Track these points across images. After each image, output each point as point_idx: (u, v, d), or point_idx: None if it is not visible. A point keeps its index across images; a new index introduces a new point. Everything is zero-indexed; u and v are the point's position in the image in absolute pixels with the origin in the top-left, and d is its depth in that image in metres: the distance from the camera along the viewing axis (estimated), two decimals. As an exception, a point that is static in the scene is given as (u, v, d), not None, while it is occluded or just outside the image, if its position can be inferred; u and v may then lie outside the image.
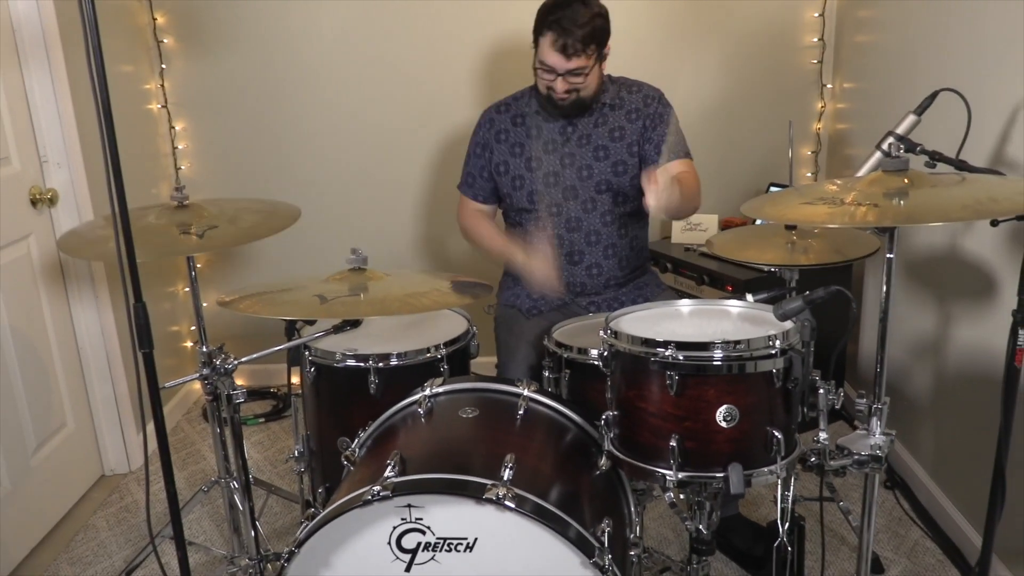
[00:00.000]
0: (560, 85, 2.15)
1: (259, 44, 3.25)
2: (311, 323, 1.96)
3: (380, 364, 1.90)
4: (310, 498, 2.15)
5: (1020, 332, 1.57)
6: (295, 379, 2.02)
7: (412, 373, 1.90)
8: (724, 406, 1.45)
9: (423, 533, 1.39)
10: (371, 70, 3.28)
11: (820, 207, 1.52)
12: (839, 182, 1.63)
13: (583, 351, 1.83)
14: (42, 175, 2.61)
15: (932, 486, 2.48)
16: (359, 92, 3.30)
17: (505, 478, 1.38)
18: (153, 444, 1.69)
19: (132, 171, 2.61)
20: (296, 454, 2.08)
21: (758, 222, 2.61)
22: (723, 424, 1.45)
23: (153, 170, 3.27)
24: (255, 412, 3.37)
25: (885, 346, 1.62)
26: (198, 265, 2.23)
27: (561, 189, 2.27)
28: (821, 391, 1.55)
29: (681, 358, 1.45)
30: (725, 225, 3.18)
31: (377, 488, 1.36)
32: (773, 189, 3.23)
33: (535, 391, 1.73)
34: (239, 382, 1.80)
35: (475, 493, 1.35)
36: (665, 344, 1.46)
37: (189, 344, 3.53)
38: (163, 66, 3.26)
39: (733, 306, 1.72)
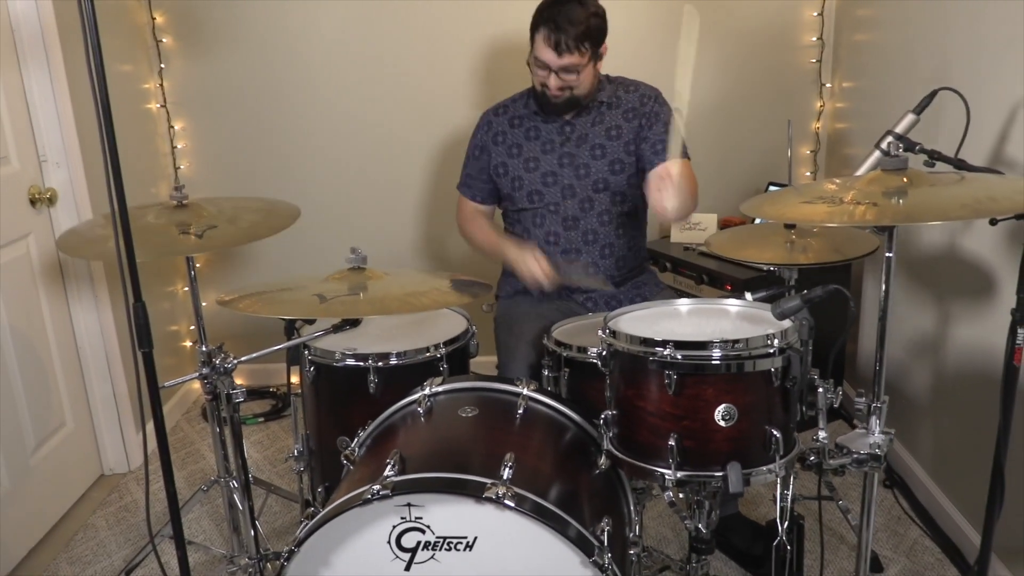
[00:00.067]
0: (553, 82, 2.16)
1: (258, 43, 3.25)
2: (310, 322, 1.96)
3: (379, 363, 1.90)
4: (309, 497, 2.15)
5: (1019, 331, 1.57)
6: (294, 378, 2.02)
7: (411, 372, 1.90)
8: (723, 405, 1.45)
9: (423, 532, 1.39)
10: (370, 70, 3.28)
11: (819, 206, 1.52)
12: (838, 181, 1.63)
13: (582, 350, 1.83)
14: (41, 175, 2.61)
15: (931, 485, 2.48)
16: (358, 92, 3.30)
17: (505, 477, 1.38)
18: (152, 443, 1.69)
19: (131, 170, 2.61)
20: (295, 453, 2.08)
21: (757, 221, 2.61)
22: (722, 423, 1.46)
23: (152, 169, 3.27)
24: (254, 411, 3.37)
25: (884, 345, 1.62)
26: (197, 264, 2.23)
27: (559, 188, 2.27)
28: (820, 390, 1.56)
29: (680, 357, 1.45)
30: (724, 224, 3.19)
31: (377, 487, 1.36)
32: (772, 188, 3.23)
33: (534, 390, 1.73)
34: (238, 381, 1.80)
35: (475, 492, 1.35)
36: (664, 343, 1.46)
37: (188, 343, 3.53)
38: (162, 65, 3.26)
39: (732, 305, 1.73)
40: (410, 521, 1.39)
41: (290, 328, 1.95)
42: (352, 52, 3.26)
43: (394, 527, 1.39)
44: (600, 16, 2.16)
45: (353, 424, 1.80)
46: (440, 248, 3.49)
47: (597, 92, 2.27)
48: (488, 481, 1.37)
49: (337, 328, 1.77)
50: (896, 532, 2.43)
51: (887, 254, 1.59)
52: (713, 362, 1.45)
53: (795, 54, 3.29)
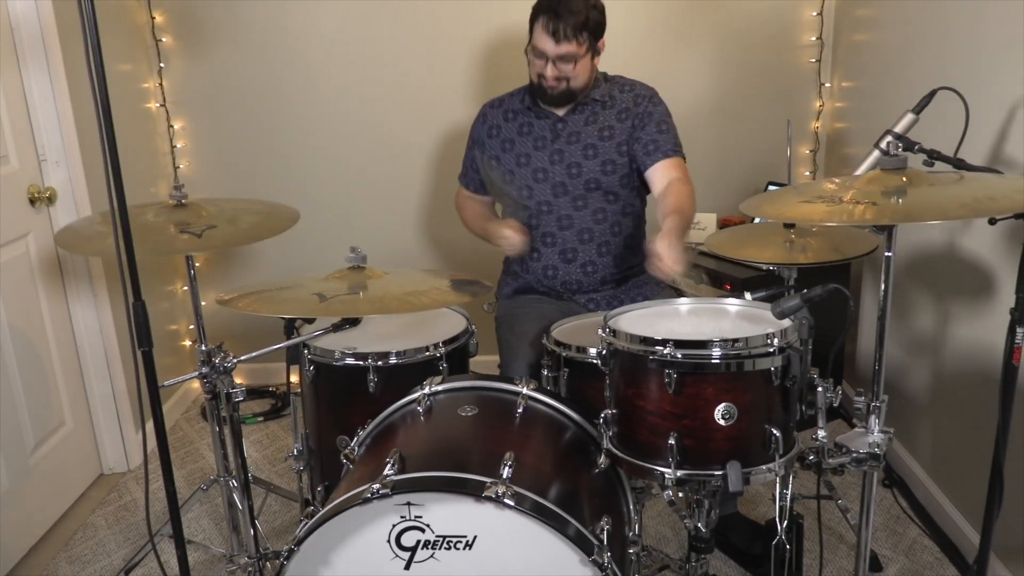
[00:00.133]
0: (550, 71, 2.17)
1: (258, 43, 3.25)
2: (310, 321, 1.96)
3: (379, 362, 1.91)
4: (309, 497, 2.15)
5: (1018, 330, 1.57)
6: (294, 378, 2.02)
7: (411, 371, 1.91)
8: (722, 404, 1.45)
9: (422, 531, 1.39)
10: (370, 69, 3.28)
11: (819, 205, 1.52)
12: (837, 180, 1.63)
13: (582, 349, 1.83)
14: (40, 174, 2.61)
15: (930, 484, 2.48)
16: (358, 91, 3.30)
17: (504, 476, 1.39)
18: (152, 443, 1.69)
19: (130, 170, 2.61)
20: (295, 452, 2.08)
21: (756, 220, 2.62)
22: (721, 422, 1.46)
23: (151, 169, 3.27)
24: (254, 411, 3.37)
25: (883, 344, 1.62)
26: (196, 264, 2.23)
27: (550, 186, 2.28)
28: (819, 389, 1.56)
29: (679, 356, 1.45)
30: (723, 224, 3.19)
31: (376, 486, 1.37)
32: (771, 188, 3.23)
33: (534, 389, 1.73)
34: (238, 381, 1.80)
35: (474, 491, 1.35)
36: (663, 342, 1.46)
37: (188, 343, 3.53)
38: (161, 65, 3.26)
39: (731, 304, 1.73)
40: (410, 520, 1.39)
41: (290, 327, 1.95)
42: (352, 51, 3.26)
43: (394, 526, 1.40)
44: (599, 10, 2.18)
45: (353, 423, 1.80)
46: (440, 247, 3.49)
47: (592, 89, 2.27)
48: (488, 480, 1.37)
49: (337, 327, 1.77)
50: (895, 531, 2.43)
51: (886, 253, 1.59)
52: (713, 361, 1.45)
53: (794, 54, 3.30)
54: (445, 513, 1.38)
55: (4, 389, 2.38)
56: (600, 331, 1.59)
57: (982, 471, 1.71)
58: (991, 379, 1.99)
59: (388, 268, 1.86)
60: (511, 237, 2.21)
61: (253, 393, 3.48)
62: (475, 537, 1.39)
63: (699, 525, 1.67)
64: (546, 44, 2.14)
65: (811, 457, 1.59)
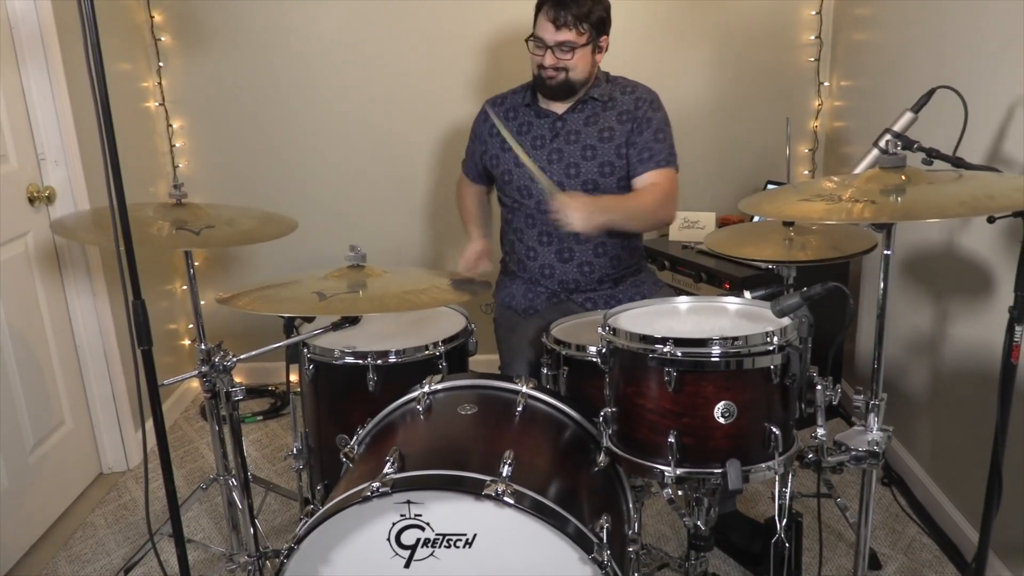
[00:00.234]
0: (548, 59, 2.19)
1: (257, 42, 3.25)
2: (310, 320, 1.96)
3: (379, 361, 1.91)
4: (308, 495, 2.15)
5: (1016, 328, 1.58)
6: (293, 376, 2.02)
7: (411, 370, 1.91)
8: (722, 402, 1.45)
9: (422, 529, 1.39)
10: (369, 68, 3.28)
11: (818, 204, 1.52)
12: (836, 179, 1.64)
13: (581, 348, 1.83)
14: (40, 173, 2.61)
15: (929, 482, 2.49)
16: (357, 89, 3.30)
17: (504, 474, 1.39)
18: (152, 441, 1.69)
19: (129, 169, 2.61)
20: (294, 451, 2.09)
21: (756, 219, 2.62)
22: (721, 420, 1.46)
23: (151, 168, 3.27)
24: (253, 410, 3.37)
25: (883, 342, 1.62)
26: (196, 263, 2.23)
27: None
28: (819, 387, 1.56)
29: (679, 354, 1.45)
30: (723, 223, 3.19)
31: (376, 484, 1.37)
32: (770, 187, 3.23)
33: (533, 388, 1.74)
34: (237, 380, 1.80)
35: (474, 489, 1.36)
36: (663, 340, 1.46)
37: (187, 342, 3.53)
38: (160, 64, 3.26)
39: (731, 303, 1.73)
40: (410, 518, 1.39)
41: (289, 326, 1.95)
42: (351, 50, 3.26)
43: (394, 524, 1.40)
44: (604, 7, 2.19)
45: (352, 422, 1.81)
46: (439, 246, 3.49)
47: (593, 87, 2.27)
48: (487, 478, 1.37)
49: (336, 326, 1.77)
50: (894, 530, 2.43)
51: (885, 252, 1.59)
52: (713, 359, 1.45)
53: (793, 53, 3.30)
54: (445, 511, 1.38)
55: (4, 388, 2.38)
56: (600, 329, 1.60)
57: (981, 469, 1.72)
58: (990, 377, 1.99)
59: (387, 267, 1.86)
60: (468, 258, 2.31)
61: (252, 392, 3.48)
62: (475, 535, 1.39)
63: (698, 523, 1.67)
64: (546, 29, 2.16)
65: (810, 455, 1.60)
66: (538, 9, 2.19)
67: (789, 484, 1.70)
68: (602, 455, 1.62)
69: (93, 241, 2.45)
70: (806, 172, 3.43)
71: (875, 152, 1.87)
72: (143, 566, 2.33)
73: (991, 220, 1.65)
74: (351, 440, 1.73)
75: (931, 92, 1.87)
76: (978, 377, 2.20)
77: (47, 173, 2.62)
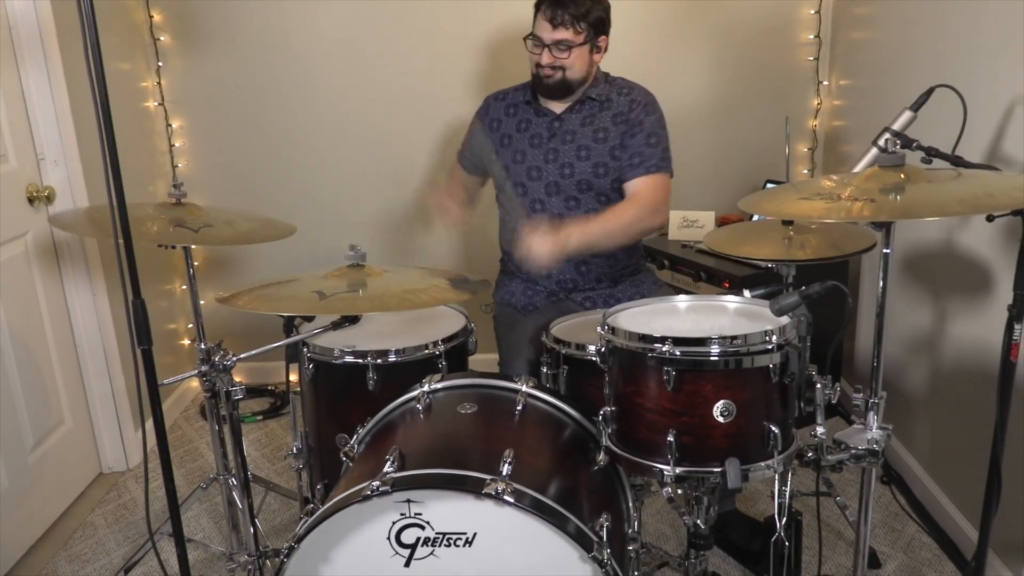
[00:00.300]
0: (545, 58, 2.19)
1: (256, 41, 3.25)
2: (309, 320, 1.96)
3: (378, 360, 1.91)
4: (308, 495, 2.15)
5: (1016, 327, 1.58)
6: (293, 376, 2.02)
7: (410, 369, 1.91)
8: (721, 401, 1.45)
9: (422, 528, 1.40)
10: (368, 68, 3.28)
11: (817, 202, 1.52)
12: (836, 178, 1.64)
13: (581, 347, 1.83)
14: (39, 173, 2.61)
15: (928, 481, 2.49)
16: (356, 89, 3.30)
17: (504, 473, 1.39)
18: (152, 441, 1.69)
19: (129, 169, 2.61)
20: (294, 451, 2.08)
21: (755, 218, 2.62)
22: (720, 419, 1.46)
23: (150, 168, 3.27)
24: (253, 410, 3.37)
25: (882, 341, 1.62)
26: (195, 263, 2.24)
27: (544, 184, 2.29)
28: (818, 386, 1.56)
29: (678, 353, 1.45)
30: (722, 222, 3.19)
31: (376, 483, 1.37)
32: (770, 186, 3.24)
33: (533, 387, 1.74)
34: (237, 379, 1.80)
35: (474, 488, 1.36)
36: (662, 340, 1.46)
37: (186, 342, 3.53)
38: (160, 64, 3.26)
39: (730, 302, 1.73)
40: (410, 517, 1.39)
41: (289, 325, 1.95)
42: (350, 50, 3.26)
43: (394, 523, 1.40)
44: (604, 7, 2.19)
45: (352, 421, 1.81)
46: (439, 245, 3.49)
47: (591, 87, 2.27)
48: (487, 477, 1.37)
49: (336, 325, 1.77)
50: (894, 528, 2.43)
51: (884, 250, 1.59)
52: (712, 358, 1.45)
53: (792, 52, 3.30)
54: (445, 510, 1.39)
55: (4, 388, 2.38)
56: (599, 328, 1.60)
57: (980, 468, 1.72)
58: (989, 376, 2.00)
59: (387, 266, 1.86)
60: (444, 205, 2.31)
61: (252, 392, 3.48)
62: (475, 534, 1.39)
63: (698, 522, 1.67)
64: (543, 30, 2.17)
65: (810, 454, 1.60)
66: (537, 8, 2.20)
67: (788, 483, 1.70)
68: (602, 454, 1.62)
69: (91, 233, 2.45)
70: (805, 171, 3.43)
71: (874, 151, 1.87)
72: (143, 566, 2.33)
73: (990, 219, 1.65)
74: (351, 439, 1.73)
75: (930, 91, 1.87)
76: (977, 375, 2.20)
77: (46, 173, 2.62)
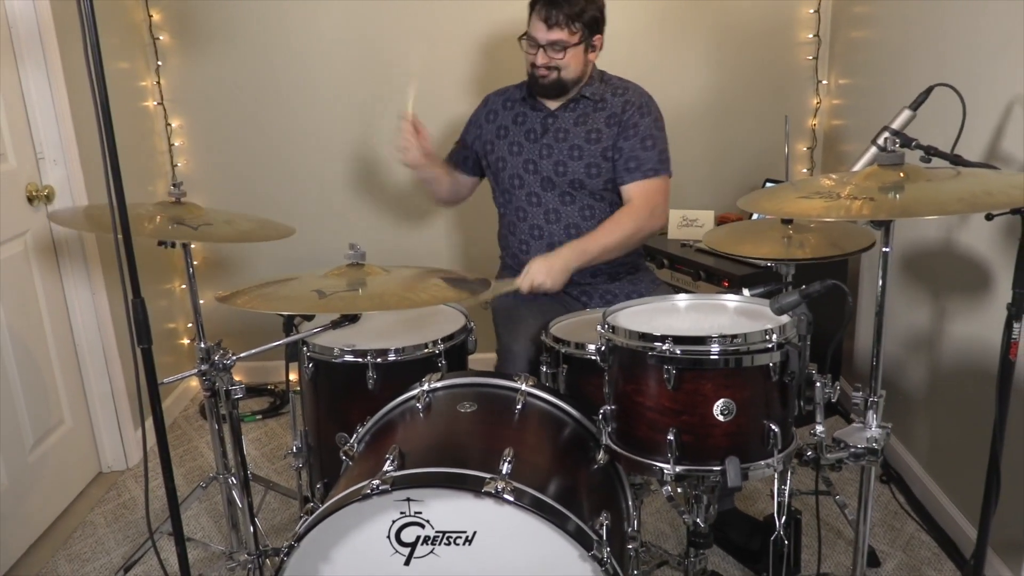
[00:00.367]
0: (540, 59, 2.20)
1: (255, 41, 3.25)
2: (309, 319, 1.96)
3: (378, 359, 1.91)
4: (308, 494, 2.15)
5: (1015, 325, 1.58)
6: (293, 375, 2.02)
7: (410, 368, 1.91)
8: (721, 400, 1.46)
9: (422, 527, 1.40)
10: (367, 66, 3.28)
11: (816, 201, 1.53)
12: (835, 177, 1.64)
13: (580, 346, 1.83)
14: (38, 172, 2.61)
15: (927, 480, 2.49)
16: (356, 88, 3.30)
17: (504, 472, 1.39)
18: (151, 440, 1.69)
19: (128, 168, 2.61)
20: (294, 450, 2.09)
21: (755, 217, 2.62)
22: (720, 418, 1.46)
23: (149, 167, 3.27)
24: (252, 409, 3.37)
25: (881, 340, 1.63)
26: (195, 263, 2.24)
27: (539, 179, 2.29)
28: (818, 385, 1.56)
29: (678, 352, 1.46)
30: (721, 221, 3.19)
31: (376, 482, 1.37)
32: (769, 185, 3.24)
33: (533, 386, 1.74)
34: (236, 378, 1.80)
35: (474, 487, 1.36)
36: (662, 338, 1.47)
37: (186, 341, 3.53)
38: (159, 63, 3.26)
39: (730, 300, 1.73)
40: (409, 516, 1.39)
41: (289, 325, 1.95)
42: (350, 50, 3.26)
43: (393, 522, 1.40)
44: (598, 6, 2.19)
45: (352, 420, 1.81)
46: (439, 244, 3.49)
47: (586, 86, 2.28)
48: (487, 476, 1.37)
49: (336, 324, 1.77)
50: (893, 527, 2.44)
51: (884, 249, 1.59)
52: (712, 357, 1.45)
53: (791, 51, 3.30)
54: (445, 509, 1.39)
55: (3, 387, 2.38)
56: (599, 327, 1.60)
57: (979, 466, 1.72)
58: (988, 374, 2.00)
59: (387, 265, 1.86)
60: (408, 143, 2.29)
61: (252, 391, 3.48)
62: (475, 533, 1.39)
63: (698, 521, 1.68)
64: (538, 31, 2.17)
65: (809, 453, 1.60)
66: (531, 8, 2.20)
67: (788, 481, 1.70)
68: (601, 453, 1.62)
69: (90, 229, 2.45)
70: (804, 170, 3.43)
71: (873, 150, 1.87)
72: (143, 565, 2.33)
73: (989, 217, 1.65)
74: (351, 438, 1.73)
75: (929, 90, 1.87)
76: (976, 374, 2.20)
77: (46, 172, 2.62)
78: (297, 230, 2.15)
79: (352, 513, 1.40)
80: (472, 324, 2.11)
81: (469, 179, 2.54)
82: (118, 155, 1.40)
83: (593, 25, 2.19)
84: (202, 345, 2.00)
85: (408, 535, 1.40)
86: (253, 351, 1.77)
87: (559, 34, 2.15)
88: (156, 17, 3.21)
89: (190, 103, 3.32)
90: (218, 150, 3.38)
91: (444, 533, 1.40)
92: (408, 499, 1.38)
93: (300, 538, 1.42)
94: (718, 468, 1.47)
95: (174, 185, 2.04)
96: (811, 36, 3.27)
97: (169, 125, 3.33)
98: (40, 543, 2.50)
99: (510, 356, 2.17)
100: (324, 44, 3.25)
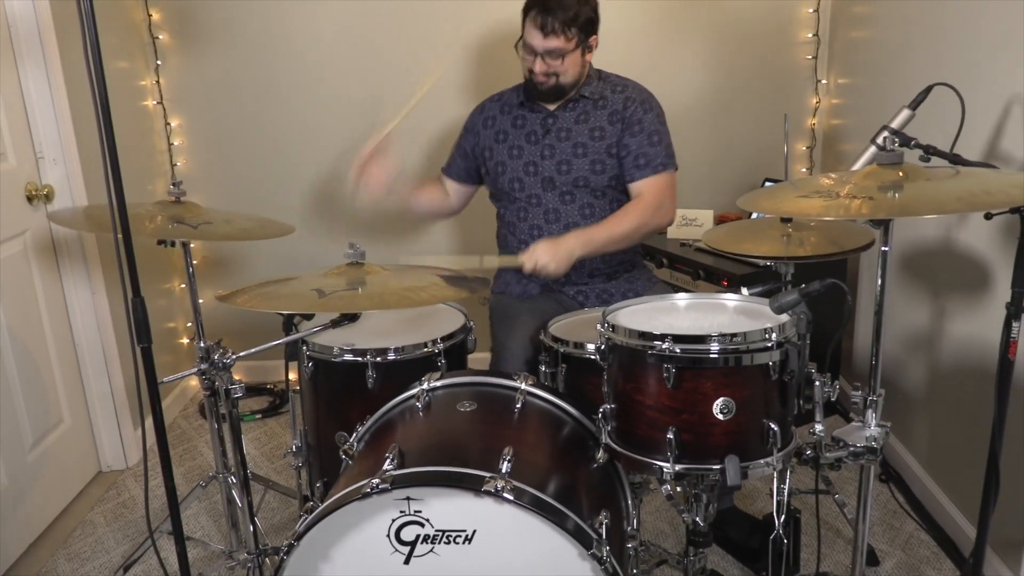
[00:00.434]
0: (538, 66, 2.19)
1: (254, 40, 3.25)
2: (309, 318, 1.96)
3: (378, 359, 1.91)
4: (308, 493, 2.15)
5: (1014, 325, 1.58)
6: (293, 374, 2.02)
7: (409, 367, 1.91)
8: (721, 399, 1.46)
9: (422, 525, 1.40)
10: (367, 65, 3.28)
11: (815, 200, 1.53)
12: (834, 176, 1.64)
13: (580, 345, 1.84)
14: (38, 171, 2.61)
15: (926, 479, 2.49)
16: (354, 88, 3.30)
17: (503, 471, 1.39)
18: (151, 439, 1.69)
19: (128, 168, 2.62)
20: (294, 449, 2.09)
21: (754, 216, 2.62)
22: (720, 416, 1.46)
23: (149, 166, 3.27)
24: (252, 408, 3.37)
25: (880, 339, 1.63)
26: (195, 262, 2.24)
27: (540, 180, 2.29)
28: (817, 383, 1.56)
29: (678, 351, 1.46)
30: (721, 220, 3.19)
31: (376, 481, 1.37)
32: (768, 184, 3.24)
33: (532, 385, 1.74)
34: (236, 378, 1.80)
35: (473, 485, 1.36)
36: (662, 337, 1.47)
37: (185, 341, 3.53)
38: (158, 62, 3.26)
39: (729, 299, 1.74)
40: (409, 515, 1.39)
41: (288, 324, 1.95)
42: (348, 48, 3.26)
43: (393, 521, 1.40)
44: (591, 6, 2.19)
45: (351, 419, 1.81)
46: (438, 244, 3.49)
47: (584, 85, 2.28)
48: (487, 474, 1.37)
49: (336, 323, 1.77)
50: (892, 526, 2.44)
51: (883, 248, 1.59)
52: (711, 356, 1.45)
53: (791, 50, 3.30)
54: (444, 508, 1.39)
55: (2, 387, 2.38)
56: (599, 326, 1.60)
57: (978, 465, 1.72)
58: (987, 373, 2.00)
59: (386, 264, 1.86)
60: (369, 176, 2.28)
61: (251, 390, 3.48)
62: (474, 531, 1.39)
63: (697, 519, 1.68)
64: (535, 39, 2.16)
65: (808, 452, 1.60)
66: (525, 14, 2.19)
67: (787, 480, 1.71)
68: (601, 451, 1.62)
69: (90, 229, 2.46)
70: (804, 169, 3.43)
71: (872, 149, 1.87)
72: (143, 564, 2.33)
73: (988, 216, 1.65)
74: (350, 437, 1.73)
75: (928, 89, 1.87)
76: (975, 373, 2.20)
77: (45, 171, 2.62)
78: (296, 229, 2.15)
79: (352, 512, 1.40)
80: (472, 323, 2.11)
81: (467, 188, 2.52)
82: (118, 154, 1.40)
83: (588, 27, 2.18)
84: (202, 344, 2.00)
85: (408, 534, 1.40)
86: (253, 350, 1.77)
87: (556, 42, 2.14)
88: (156, 16, 3.21)
89: (189, 102, 3.32)
90: (217, 149, 3.38)
91: (444, 532, 1.40)
92: (408, 498, 1.38)
93: (300, 537, 1.42)
94: (717, 467, 1.47)
95: (174, 184, 2.05)
96: (810, 35, 3.27)
97: (168, 124, 3.33)
98: (40, 542, 2.50)
99: (506, 355, 2.17)
100: (324, 43, 3.25)
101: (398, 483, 1.37)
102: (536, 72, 2.21)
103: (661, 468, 1.50)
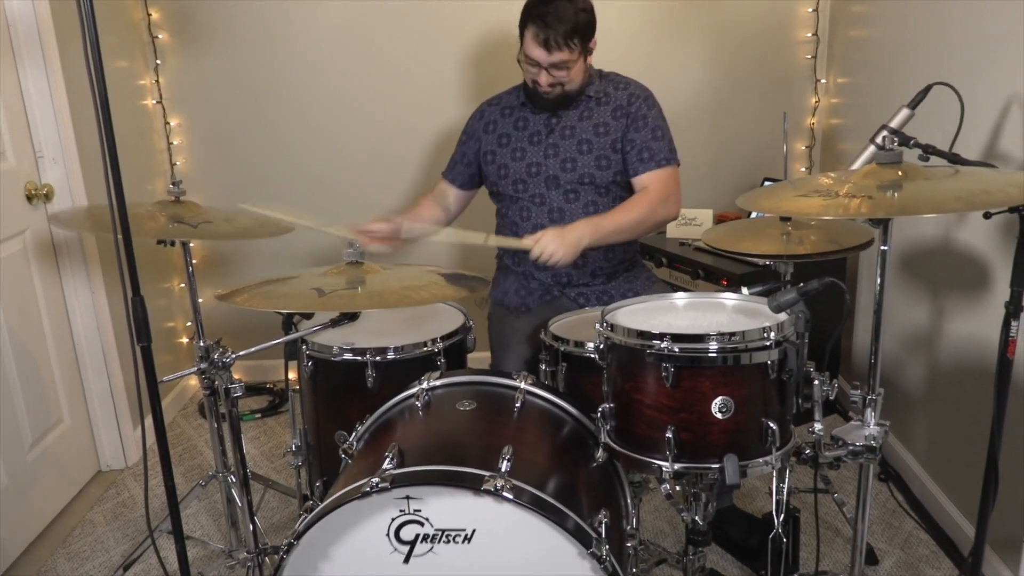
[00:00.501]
0: (544, 78, 2.18)
1: (254, 39, 3.25)
2: (308, 317, 1.96)
3: (377, 358, 1.91)
4: (307, 492, 2.16)
5: (1013, 324, 1.58)
6: (292, 374, 2.02)
7: (409, 367, 1.91)
8: (719, 397, 1.46)
9: (421, 525, 1.40)
10: (366, 65, 3.28)
11: (815, 199, 1.53)
12: (834, 175, 1.64)
13: (579, 344, 1.84)
14: (37, 171, 2.61)
15: (926, 478, 2.50)
16: (354, 87, 3.30)
17: (503, 470, 1.39)
18: (151, 439, 1.70)
19: (127, 167, 2.62)
20: (293, 448, 2.09)
21: (753, 215, 2.63)
22: (718, 415, 1.46)
23: (148, 166, 3.27)
24: (251, 408, 3.37)
25: (879, 338, 1.63)
26: (194, 261, 2.24)
27: (543, 179, 2.29)
28: (816, 382, 1.57)
29: (677, 350, 1.46)
30: (720, 219, 3.19)
31: (376, 480, 1.37)
32: (767, 183, 3.24)
33: (532, 384, 1.74)
34: (236, 377, 1.80)
35: (473, 484, 1.36)
36: (661, 336, 1.47)
37: (185, 340, 3.53)
38: (158, 62, 3.26)
39: (728, 298, 1.74)
40: (409, 514, 1.39)
41: (288, 323, 1.95)
42: (348, 48, 3.26)
43: (393, 520, 1.40)
44: (587, 11, 2.17)
45: (351, 418, 1.81)
46: (438, 243, 3.48)
47: (586, 86, 2.28)
48: (486, 473, 1.37)
49: (335, 322, 1.77)
50: (891, 525, 2.44)
51: (882, 247, 1.59)
52: (710, 355, 1.45)
53: (790, 50, 3.30)
54: (444, 507, 1.39)
55: (2, 386, 2.38)
56: (598, 325, 1.60)
57: (977, 465, 1.72)
58: (986, 373, 2.00)
59: (385, 263, 1.87)
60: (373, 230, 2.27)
61: (251, 390, 3.48)
62: (474, 530, 1.40)
63: (696, 518, 1.68)
64: (538, 54, 2.14)
65: (807, 451, 1.61)
66: (523, 27, 2.17)
67: (786, 479, 1.71)
68: (600, 451, 1.62)
69: (90, 230, 2.46)
70: (803, 169, 3.44)
71: (872, 148, 1.88)
72: (142, 563, 2.33)
73: (987, 216, 1.65)
74: (350, 436, 1.73)
75: (927, 88, 1.87)
76: (974, 372, 2.21)
77: (45, 171, 2.62)
78: (296, 228, 2.15)
79: (351, 511, 1.40)
80: (471, 323, 2.11)
81: (468, 194, 2.50)
82: (117, 154, 1.40)
83: (588, 32, 2.17)
84: (201, 343, 2.00)
85: (407, 533, 1.41)
86: (252, 349, 1.77)
87: (561, 55, 2.13)
88: (155, 16, 3.21)
89: (189, 101, 3.32)
90: (217, 149, 3.38)
91: (443, 531, 1.40)
92: (407, 497, 1.38)
93: (299, 536, 1.42)
94: (716, 466, 1.47)
95: (173, 183, 2.05)
96: (810, 35, 3.27)
97: (168, 123, 3.33)
98: (39, 541, 2.50)
99: (505, 355, 2.17)
100: (323, 43, 3.26)
101: (398, 482, 1.37)
102: (542, 84, 2.19)
103: (660, 467, 1.50)
